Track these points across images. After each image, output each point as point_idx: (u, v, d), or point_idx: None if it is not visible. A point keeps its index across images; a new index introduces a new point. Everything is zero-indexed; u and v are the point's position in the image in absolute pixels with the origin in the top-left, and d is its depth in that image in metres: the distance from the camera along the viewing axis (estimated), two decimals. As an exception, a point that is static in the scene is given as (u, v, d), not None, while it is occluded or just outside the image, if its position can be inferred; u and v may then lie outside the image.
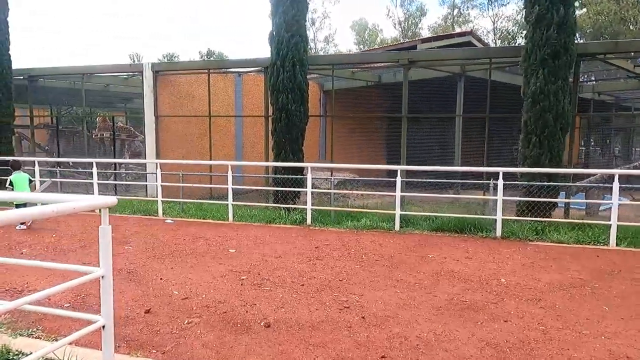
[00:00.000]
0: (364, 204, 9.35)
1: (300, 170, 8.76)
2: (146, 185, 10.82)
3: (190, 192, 9.69)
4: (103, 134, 13.16)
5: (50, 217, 2.34)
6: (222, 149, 11.70)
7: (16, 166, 7.43)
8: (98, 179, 11.26)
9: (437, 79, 10.81)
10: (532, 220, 7.04)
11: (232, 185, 8.01)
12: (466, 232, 6.98)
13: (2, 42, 10.76)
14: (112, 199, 2.65)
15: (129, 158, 13.94)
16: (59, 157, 13.13)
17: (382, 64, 10.68)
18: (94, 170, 8.67)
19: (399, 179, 7.12)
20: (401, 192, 7.19)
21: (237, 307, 3.76)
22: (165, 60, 28.12)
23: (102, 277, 2.61)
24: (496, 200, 6.82)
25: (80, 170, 12.13)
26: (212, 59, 28.27)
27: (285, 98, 8.67)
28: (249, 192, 10.22)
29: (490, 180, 8.17)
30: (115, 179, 11.72)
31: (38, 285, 4.30)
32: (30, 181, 7.44)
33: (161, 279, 4.54)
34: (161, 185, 8.52)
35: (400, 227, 7.20)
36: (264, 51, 9.63)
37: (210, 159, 10.88)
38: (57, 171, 10.19)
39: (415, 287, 4.37)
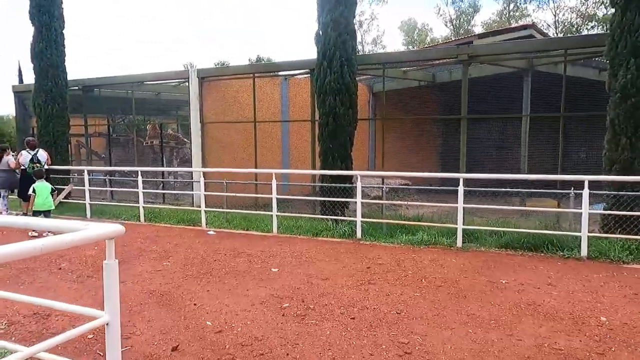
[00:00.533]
0: (419, 214, 8.54)
1: (349, 178, 8.14)
2: (192, 194, 10.64)
3: (235, 200, 9.37)
4: (153, 141, 13.27)
5: (38, 254, 1.86)
6: (268, 155, 11.33)
7: (38, 175, 7.76)
8: (148, 187, 11.26)
9: (500, 75, 9.76)
10: (625, 238, 5.93)
11: (277, 194, 7.53)
12: (542, 250, 6.00)
13: (58, 54, 11.06)
14: (118, 229, 2.15)
15: (178, 165, 13.99)
16: (110, 164, 13.38)
17: (438, 62, 9.82)
18: (139, 178, 8.55)
19: (461, 189, 6.29)
20: (464, 203, 6.34)
21: (276, 348, 3.18)
22: (215, 66, 28.58)
23: (107, 324, 2.11)
24: (575, 212, 5.81)
25: (131, 178, 12.24)
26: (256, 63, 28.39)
27: (333, 101, 8.09)
28: (296, 202, 9.73)
29: (564, 188, 7.11)
30: (163, 187, 11.70)
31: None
32: (53, 190, 7.74)
33: (195, 304, 4.07)
34: (204, 194, 8.20)
35: (463, 243, 6.35)
36: (309, 54, 9.11)
37: (256, 166, 10.52)
38: (107, 179, 10.27)
39: (492, 325, 3.58)
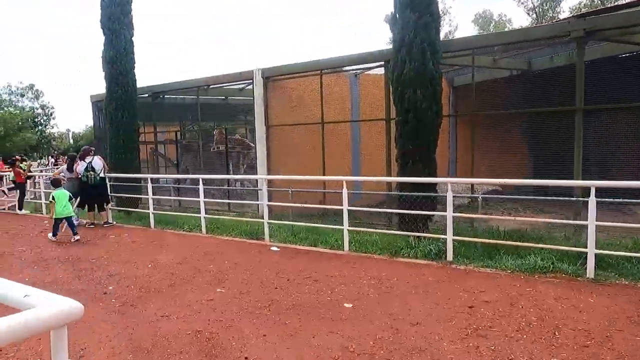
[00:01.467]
0: (520, 229, 6.98)
1: (433, 186, 6.87)
2: (257, 204, 9.95)
3: (301, 210, 8.48)
4: (219, 147, 12.92)
5: None
6: (336, 160, 10.34)
7: (56, 184, 8.06)
8: (213, 195, 10.82)
9: (625, 56, 7.84)
10: None
11: (348, 205, 6.47)
12: None
13: (127, 61, 11.04)
14: (70, 312, 1.20)
15: (245, 171, 13.53)
16: (178, 172, 13.25)
17: (541, 42, 8.13)
18: (200, 187, 7.96)
19: (592, 201, 4.75)
20: (595, 219, 4.79)
21: None
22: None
23: None
24: None
25: (196, 186, 11.94)
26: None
27: (413, 94, 6.86)
28: (367, 212, 8.60)
29: None
30: (228, 195, 11.19)
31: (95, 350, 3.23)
32: (70, 198, 7.85)
33: (246, 358, 3.13)
34: (268, 204, 7.38)
35: (596, 272, 4.80)
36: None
37: (324, 172, 9.57)
38: (172, 187, 9.94)
39: None
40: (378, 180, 8.53)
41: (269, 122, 10.24)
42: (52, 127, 41.86)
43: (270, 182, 9.40)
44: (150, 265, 5.76)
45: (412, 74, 6.85)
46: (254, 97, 10.30)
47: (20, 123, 35.54)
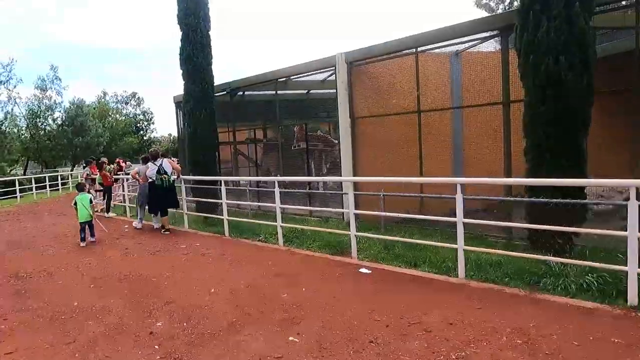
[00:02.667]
0: None
1: (578, 190, 4.95)
2: (342, 211, 8.63)
3: (395, 218, 6.97)
4: (300, 145, 11.87)
5: None
6: (433, 156, 8.61)
7: (80, 188, 8.18)
8: (292, 199, 9.78)
9: None
10: None
11: (463, 217, 4.82)
12: None
13: (204, 56, 10.42)
14: None
15: (327, 171, 12.34)
16: (256, 172, 12.49)
17: None
18: (276, 190, 6.83)
19: None
20: None
21: None
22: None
23: None
24: None
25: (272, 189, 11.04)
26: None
27: (554, 63, 4.97)
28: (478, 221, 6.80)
29: None
30: (310, 199, 10.03)
31: None
32: (91, 201, 7.92)
33: None
34: (355, 213, 5.98)
35: None
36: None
37: (421, 171, 7.95)
38: (248, 190, 9.03)
39: None
40: (502, 183, 6.66)
41: (354, 114, 8.86)
42: (152, 132, 45.18)
43: (356, 185, 8.04)
44: (213, 291, 4.70)
45: (551, 35, 4.96)
46: (336, 86, 9.00)
47: (124, 128, 38.68)
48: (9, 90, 28.40)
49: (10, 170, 31.13)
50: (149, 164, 8.75)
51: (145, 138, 43.70)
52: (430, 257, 5.51)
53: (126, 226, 9.50)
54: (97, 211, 12.25)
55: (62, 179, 22.69)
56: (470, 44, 8.21)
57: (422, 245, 5.74)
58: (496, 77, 7.19)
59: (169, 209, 8.86)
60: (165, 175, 8.46)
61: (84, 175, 12.65)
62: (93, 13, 67.83)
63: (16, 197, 17.55)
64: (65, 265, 6.18)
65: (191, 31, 10.29)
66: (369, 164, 8.89)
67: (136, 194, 9.49)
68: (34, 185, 19.02)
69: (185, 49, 10.42)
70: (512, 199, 6.28)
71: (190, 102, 10.45)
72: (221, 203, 8.00)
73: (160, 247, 7.10)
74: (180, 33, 10.47)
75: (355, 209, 6.73)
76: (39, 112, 29.05)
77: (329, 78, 10.60)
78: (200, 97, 10.36)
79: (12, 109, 28.70)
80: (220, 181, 8.02)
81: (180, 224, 9.37)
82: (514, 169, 6.82)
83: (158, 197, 8.50)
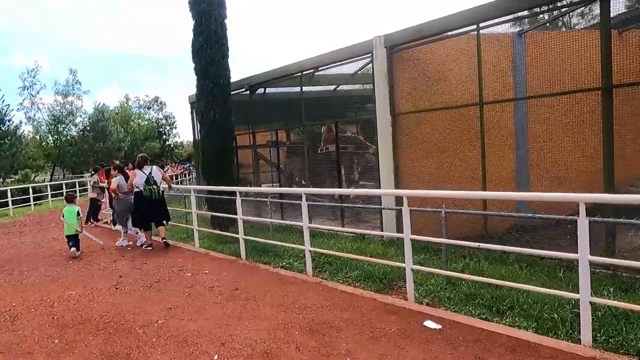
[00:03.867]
0: None
1: None
2: (392, 235, 7.12)
3: (457, 235, 5.40)
4: (328, 147, 10.39)
5: None
6: (492, 158, 6.98)
7: (68, 199, 7.70)
8: (322, 213, 8.40)
9: None
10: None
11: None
12: None
13: (218, 48, 9.10)
14: None
15: (358, 177, 10.82)
16: (279, 177, 11.13)
17: None
18: (303, 206, 5.35)
19: None
20: None
21: None
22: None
23: None
24: None
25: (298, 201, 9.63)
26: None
27: None
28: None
29: None
30: (342, 214, 8.50)
31: None
32: (78, 214, 7.51)
33: None
34: (413, 239, 4.41)
35: None
36: None
37: (484, 181, 6.38)
38: (269, 202, 7.59)
39: None
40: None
41: (395, 109, 7.33)
42: (175, 137, 44.64)
43: (396, 197, 6.52)
44: (216, 357, 3.26)
45: None
46: (373, 77, 7.49)
47: (146, 133, 38.19)
48: (33, 96, 28.19)
49: (35, 177, 30.93)
50: (137, 171, 7.62)
51: (167, 143, 43.19)
52: (519, 298, 3.94)
53: (130, 243, 8.24)
54: (98, 222, 11.15)
55: (81, 186, 21.98)
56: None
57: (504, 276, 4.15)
58: (588, 57, 5.54)
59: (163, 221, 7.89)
60: (154, 186, 7.41)
61: (92, 183, 11.56)
62: (122, 21, 68.60)
63: (30, 205, 16.76)
64: (39, 303, 4.89)
65: (204, 19, 9.01)
66: (413, 169, 7.34)
67: (115, 210, 8.21)
68: (49, 192, 18.27)
69: (197, 39, 9.15)
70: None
71: (203, 100, 9.16)
72: (237, 219, 6.59)
73: (161, 276, 5.73)
74: (192, 22, 9.22)
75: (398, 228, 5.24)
76: (60, 118, 28.68)
77: (361, 71, 9.11)
78: (215, 94, 9.05)
79: (34, 115, 28.48)
80: (236, 192, 6.60)
81: (190, 240, 8.05)
82: (619, 175, 5.17)
83: (145, 210, 7.44)
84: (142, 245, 7.81)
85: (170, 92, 74.61)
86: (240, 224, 6.47)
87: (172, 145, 43.61)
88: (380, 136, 7.49)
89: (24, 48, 60.03)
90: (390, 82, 7.28)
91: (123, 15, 69.09)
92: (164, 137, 42.95)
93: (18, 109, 27.30)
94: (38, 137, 28.96)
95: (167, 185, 8.01)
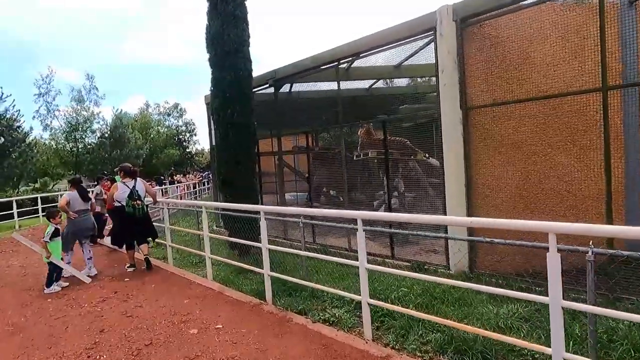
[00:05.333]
0: None
1: None
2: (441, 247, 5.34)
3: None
4: (368, 153, 8.67)
5: None
6: (585, 162, 5.14)
7: (49, 216, 6.22)
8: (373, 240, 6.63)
9: None
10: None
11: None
12: None
13: (237, 33, 7.53)
14: None
15: (402, 188, 9.04)
16: (309, 187, 9.50)
17: None
18: (359, 238, 3.65)
19: None
20: None
21: None
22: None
23: None
24: None
25: (334, 223, 7.97)
26: None
27: None
28: None
29: None
30: (392, 241, 6.70)
31: None
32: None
33: None
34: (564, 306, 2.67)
35: None
36: None
37: (609, 197, 4.57)
38: (301, 224, 5.91)
39: None
40: None
41: (467, 102, 5.58)
42: (195, 144, 43.71)
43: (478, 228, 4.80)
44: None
45: None
46: (436, 61, 5.77)
47: (165, 140, 37.29)
48: (49, 103, 27.49)
49: (54, 185, 30.19)
50: (119, 184, 6.71)
51: (187, 150, 42.24)
52: None
53: (130, 270, 6.71)
54: (102, 239, 9.55)
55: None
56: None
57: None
58: None
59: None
60: (138, 201, 6.60)
61: (94, 195, 10.14)
62: (148, 32, 68.86)
63: (38, 216, 15.57)
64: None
65: (220, 0, 7.47)
66: (493, 181, 5.55)
67: (65, 233, 6.59)
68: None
69: (212, 24, 7.60)
70: None
71: (219, 96, 7.59)
72: (262, 247, 4.93)
73: (156, 332, 4.11)
74: (207, 4, 7.69)
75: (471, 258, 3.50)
76: (76, 125, 27.89)
77: (405, 63, 7.36)
78: (233, 88, 7.46)
79: (51, 122, 27.77)
80: (260, 212, 4.94)
81: (201, 267, 6.48)
82: None
83: (127, 228, 6.63)
84: (126, 267, 6.77)
85: (192, 98, 74.47)
86: (265, 255, 4.79)
87: (191, 153, 42.64)
88: (445, 138, 5.74)
89: (50, 61, 60.86)
90: (461, 66, 5.54)
91: (150, 27, 69.31)
92: (184, 144, 42.03)
93: (34, 116, 26.63)
94: (54, 145, 28.18)
95: (151, 200, 7.26)
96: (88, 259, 6.65)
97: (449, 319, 3.51)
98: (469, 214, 5.62)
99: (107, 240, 9.71)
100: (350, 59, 7.27)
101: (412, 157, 8.49)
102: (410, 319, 3.80)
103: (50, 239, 5.93)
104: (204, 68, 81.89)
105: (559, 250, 2.62)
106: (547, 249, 2.65)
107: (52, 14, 54.89)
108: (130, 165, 7.09)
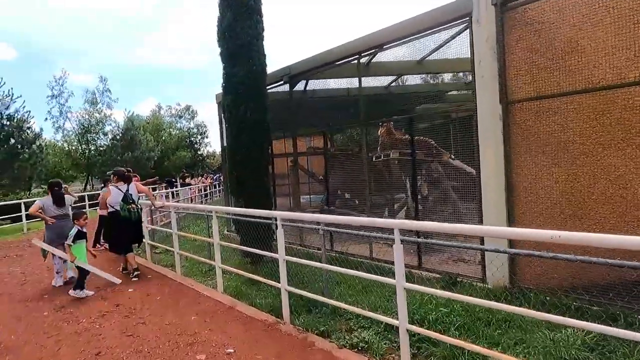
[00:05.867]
0: None
1: None
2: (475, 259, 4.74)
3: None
4: (389, 154, 8.08)
5: None
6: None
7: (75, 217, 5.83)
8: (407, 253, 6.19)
9: None
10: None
11: None
12: None
13: (251, 26, 7.04)
14: None
15: (425, 191, 8.43)
16: (327, 191, 8.99)
17: None
18: (396, 251, 3.10)
19: None
20: None
21: None
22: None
23: None
24: None
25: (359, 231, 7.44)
26: None
27: None
28: None
29: None
30: (420, 251, 6.11)
31: None
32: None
33: None
34: None
35: None
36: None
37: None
38: (322, 231, 5.36)
39: None
40: None
41: (508, 95, 4.98)
42: (206, 146, 43.48)
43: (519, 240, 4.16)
44: None
45: None
46: (472, 49, 5.18)
47: (177, 142, 37.10)
48: (62, 105, 27.47)
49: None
50: (112, 188, 6.54)
51: (199, 153, 42.02)
52: None
53: (134, 278, 6.23)
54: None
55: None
56: None
57: None
58: None
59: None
60: (133, 205, 6.46)
61: (100, 198, 9.72)
62: (161, 35, 69.24)
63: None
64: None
65: (233, -12, 7.00)
66: (536, 184, 4.93)
67: (46, 240, 6.34)
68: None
69: (224, 16, 7.14)
70: None
71: (230, 93, 7.11)
72: (278, 259, 4.39)
73: (164, 353, 3.60)
74: (219, -5, 7.23)
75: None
76: (89, 127, 27.79)
77: (427, 58, 6.75)
78: (246, 84, 6.98)
79: (63, 124, 27.73)
80: (276, 218, 4.40)
81: (211, 276, 5.98)
82: None
83: (125, 233, 6.43)
84: (131, 273, 6.47)
85: (204, 100, 74.56)
86: (282, 268, 4.24)
87: (203, 155, 42.42)
88: (482, 136, 5.15)
89: (67, 65, 61.48)
90: (500, 56, 4.94)
91: (164, 30, 69.70)
92: (195, 146, 41.83)
93: (46, 118, 26.63)
94: (66, 146, 28.12)
95: (149, 202, 7.13)
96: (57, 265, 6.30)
97: (500, 345, 2.92)
98: (510, 222, 5.01)
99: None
100: (372, 51, 6.70)
101: (437, 158, 7.87)
102: (454, 346, 3.22)
103: (73, 241, 5.65)
104: (216, 71, 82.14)
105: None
106: None
107: (66, 17, 55.43)
108: (124, 170, 7.04)
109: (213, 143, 49.63)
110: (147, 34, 68.00)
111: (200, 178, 24.94)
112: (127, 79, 68.11)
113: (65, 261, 6.13)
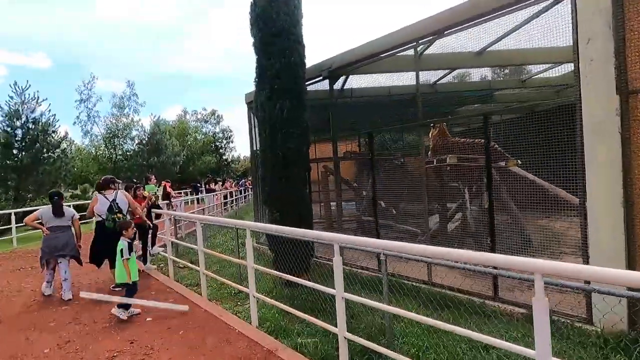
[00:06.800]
0: None
1: None
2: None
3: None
4: (445, 159, 6.97)
5: None
6: None
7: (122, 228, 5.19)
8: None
9: None
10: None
11: None
12: None
13: (288, 11, 6.12)
14: None
15: (485, 203, 7.25)
16: (362, 199, 7.93)
17: None
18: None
19: None
20: None
21: None
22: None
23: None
24: None
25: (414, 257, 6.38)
26: None
27: None
28: None
29: None
30: (496, 287, 5.01)
31: None
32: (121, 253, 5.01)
33: None
34: None
35: None
36: None
37: None
38: (383, 259, 4.33)
39: None
40: None
41: (628, 83, 3.83)
42: (232, 150, 43.09)
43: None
44: None
45: None
46: (574, 27, 4.06)
47: (202, 147, 36.79)
48: (90, 109, 27.44)
49: (92, 192, 30.10)
50: (99, 196, 6.12)
51: (224, 157, 41.64)
52: None
53: (152, 292, 5.35)
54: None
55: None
56: None
57: None
58: None
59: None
60: (119, 214, 6.04)
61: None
62: (188, 42, 70.00)
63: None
64: None
65: (268, -30, 6.09)
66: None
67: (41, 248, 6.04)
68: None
69: (257, 2, 6.24)
70: None
71: (264, 88, 6.18)
72: (336, 296, 3.39)
73: None
74: (251, -24, 6.34)
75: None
76: (116, 132, 27.66)
77: (499, 42, 5.62)
78: (283, 78, 6.05)
79: (91, 128, 27.69)
80: (334, 246, 3.37)
81: (241, 298, 5.05)
82: None
83: (106, 244, 5.77)
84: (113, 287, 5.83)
85: (230, 106, 74.75)
86: (340, 309, 3.22)
87: (228, 160, 42.03)
88: (589, 136, 4.01)
89: (98, 72, 62.80)
90: (619, 34, 3.81)
91: (191, 37, 70.43)
92: (220, 151, 41.48)
93: (74, 122, 26.64)
94: (94, 151, 28.08)
95: (135, 214, 6.61)
96: (64, 280, 5.90)
97: None
98: (629, 248, 3.85)
99: (155, 249, 8.60)
100: (433, 37, 5.64)
101: (504, 164, 6.71)
102: None
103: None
104: (243, 78, 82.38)
105: None
106: None
107: (98, 25, 56.51)
108: (111, 177, 6.53)
109: (238, 147, 49.29)
110: (172, 40, 68.75)
111: (226, 183, 24.28)
112: (153, 87, 68.98)
113: (66, 279, 5.86)
